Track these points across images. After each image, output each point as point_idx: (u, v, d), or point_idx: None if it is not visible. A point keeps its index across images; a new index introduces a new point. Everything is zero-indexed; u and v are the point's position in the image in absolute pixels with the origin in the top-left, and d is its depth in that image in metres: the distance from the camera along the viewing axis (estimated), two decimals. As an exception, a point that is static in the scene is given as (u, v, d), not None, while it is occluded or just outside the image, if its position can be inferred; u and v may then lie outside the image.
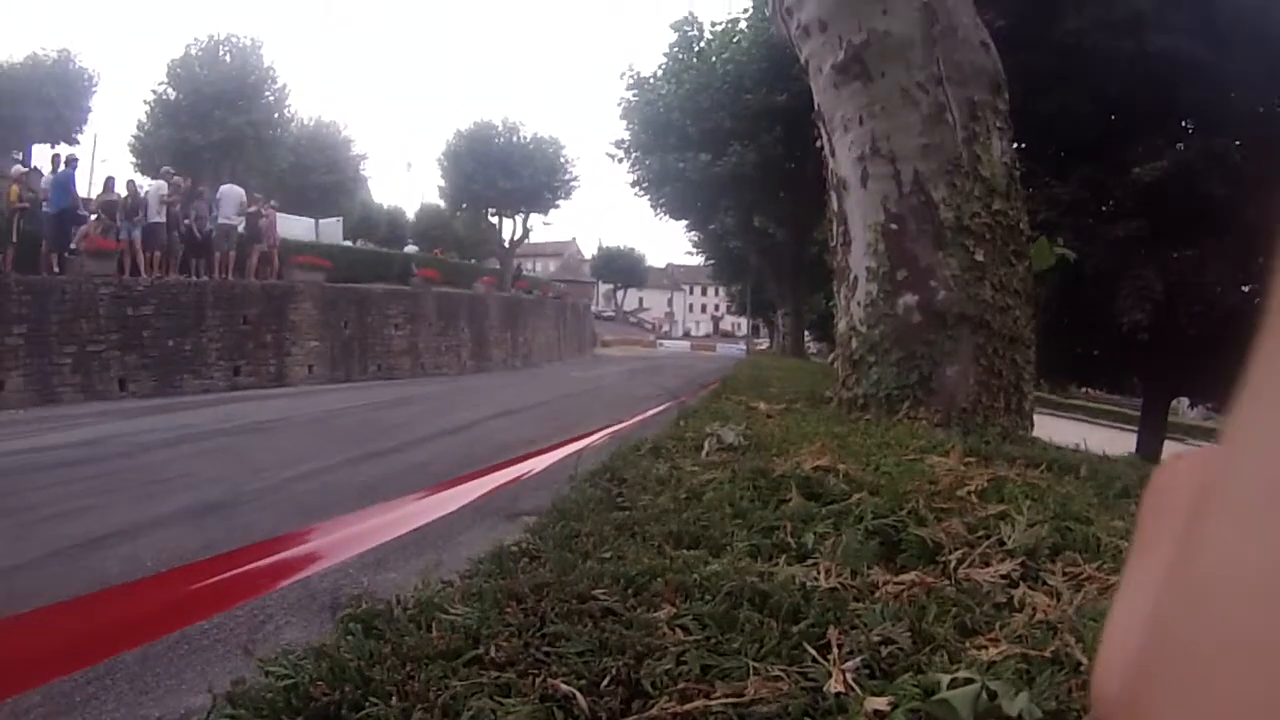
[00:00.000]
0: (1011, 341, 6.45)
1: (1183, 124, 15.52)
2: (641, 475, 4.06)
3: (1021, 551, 2.66)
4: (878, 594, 2.36)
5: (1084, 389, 22.05)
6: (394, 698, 1.73)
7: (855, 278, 7.05)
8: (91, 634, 3.49)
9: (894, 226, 6.69)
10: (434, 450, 8.55)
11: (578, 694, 1.70)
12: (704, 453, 4.76)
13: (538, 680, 1.77)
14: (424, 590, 2.45)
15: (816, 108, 7.65)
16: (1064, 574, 2.52)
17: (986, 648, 1.91)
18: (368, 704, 1.71)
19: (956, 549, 2.71)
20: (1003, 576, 2.48)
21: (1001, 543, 2.74)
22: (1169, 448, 16.38)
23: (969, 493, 3.45)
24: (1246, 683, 0.25)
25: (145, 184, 17.28)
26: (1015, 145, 7.36)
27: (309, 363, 18.08)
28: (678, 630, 2.04)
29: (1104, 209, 14.60)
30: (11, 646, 3.36)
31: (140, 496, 6.12)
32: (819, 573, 2.53)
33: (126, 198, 16.05)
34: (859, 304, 6.98)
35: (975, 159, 6.54)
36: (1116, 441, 17.51)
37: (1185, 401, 24.53)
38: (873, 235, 6.83)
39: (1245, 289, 13.49)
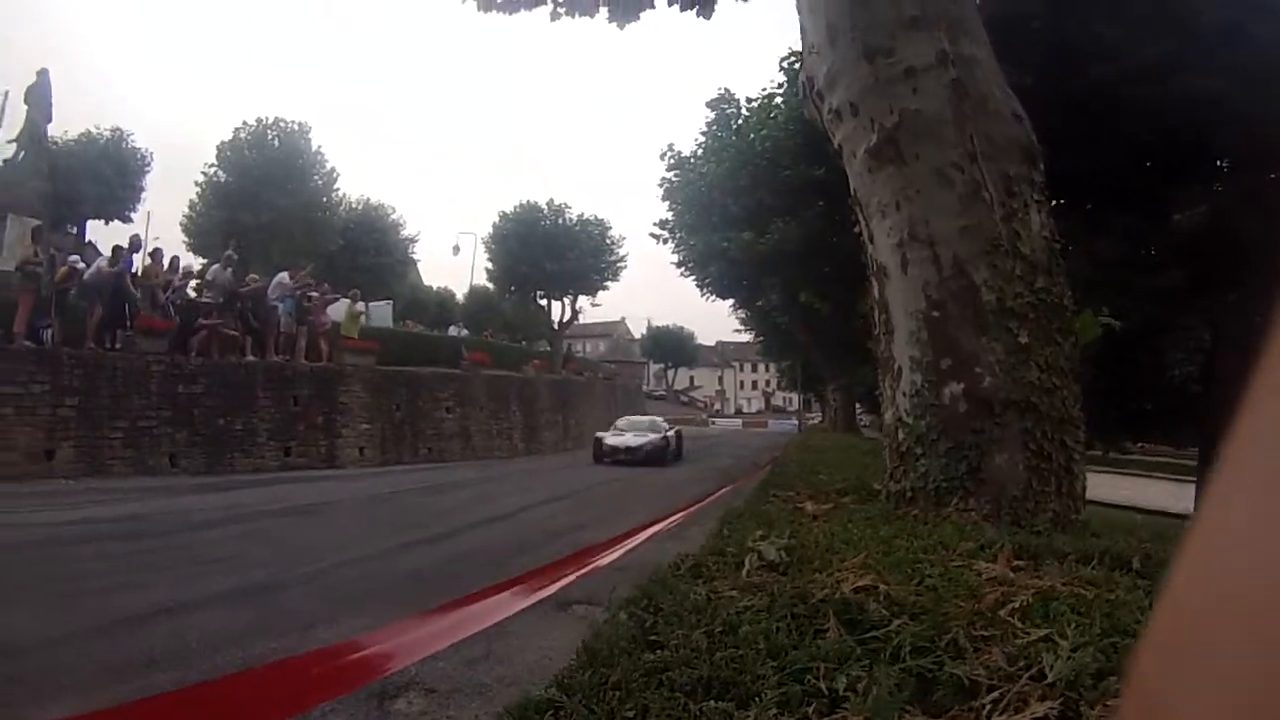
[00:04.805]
0: (1060, 423, 6.18)
1: (1218, 163, 15.20)
2: (678, 603, 3.87)
3: (1063, 684, 2.45)
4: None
5: (1139, 444, 21.38)
6: None
7: (899, 367, 6.86)
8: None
9: (936, 313, 6.51)
10: (482, 538, 8.56)
11: None
12: (744, 571, 4.56)
13: None
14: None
15: (853, 192, 7.57)
16: (1103, 707, 2.32)
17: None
18: None
19: (994, 687, 2.51)
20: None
21: (1043, 674, 2.53)
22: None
23: (1013, 611, 3.24)
24: (1249, 673, 0.27)
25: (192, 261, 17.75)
26: (1052, 201, 7.18)
27: (360, 445, 18.23)
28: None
29: (1144, 261, 14.26)
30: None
31: (186, 575, 6.16)
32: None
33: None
34: (904, 394, 6.76)
35: (1015, 236, 6.37)
36: (1177, 494, 16.95)
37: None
38: (915, 323, 6.65)
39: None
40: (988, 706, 2.46)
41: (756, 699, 2.64)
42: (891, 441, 7.02)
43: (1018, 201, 6.45)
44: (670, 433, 22.90)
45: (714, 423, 63.39)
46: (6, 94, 21.50)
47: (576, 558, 7.00)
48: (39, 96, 20.06)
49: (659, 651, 3.19)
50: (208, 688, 3.81)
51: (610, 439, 21.58)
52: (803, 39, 8.12)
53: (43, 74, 20.23)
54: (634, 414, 27.79)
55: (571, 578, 5.83)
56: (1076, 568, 4.09)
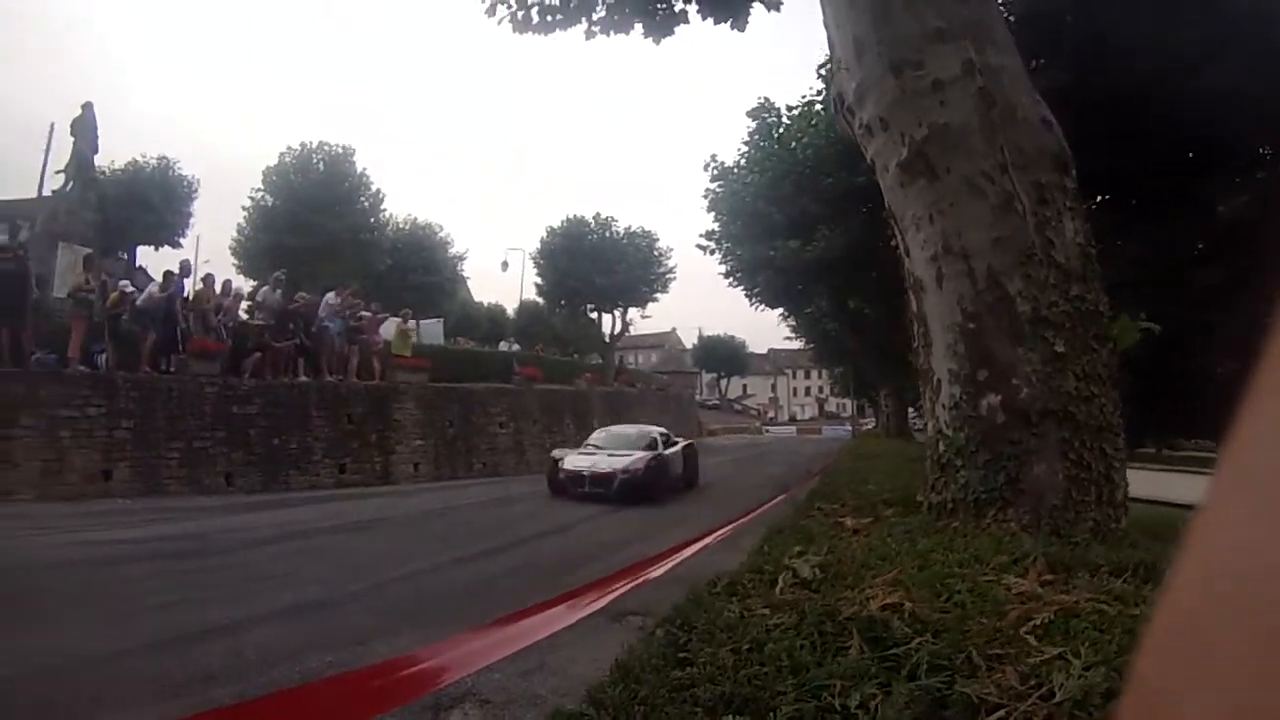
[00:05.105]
0: (1099, 431, 6.14)
1: (1261, 151, 14.87)
2: (711, 621, 4.03)
3: (1070, 704, 2.50)
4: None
5: (1193, 440, 20.94)
6: None
7: (938, 380, 6.88)
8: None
9: (972, 325, 6.52)
10: (535, 551, 8.66)
11: None
12: (778, 589, 4.64)
13: None
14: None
15: (888, 206, 7.60)
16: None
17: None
18: None
19: (1001, 706, 2.57)
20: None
21: (1052, 693, 2.58)
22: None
23: (1034, 628, 3.29)
24: (1248, 672, 0.27)
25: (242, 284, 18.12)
26: (1090, 202, 7.14)
27: (414, 461, 18.48)
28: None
29: (1184, 259, 13.99)
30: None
31: (243, 592, 6.28)
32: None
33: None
34: (944, 406, 6.79)
35: (1048, 245, 6.35)
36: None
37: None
38: (952, 336, 6.67)
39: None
40: (992, 725, 2.52)
41: (772, 714, 2.75)
42: (932, 453, 7.04)
43: (1050, 209, 6.43)
44: (673, 449, 15.55)
45: (768, 430, 63.02)
46: (53, 126, 22.23)
47: (631, 570, 7.13)
48: (84, 129, 20.75)
49: (688, 669, 3.33)
50: (264, 702, 3.98)
51: (573, 460, 14.30)
52: (831, 54, 8.19)
53: (87, 107, 20.97)
54: (626, 421, 21.63)
55: (625, 589, 5.96)
56: (1107, 581, 4.11)
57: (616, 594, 5.75)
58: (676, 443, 16.12)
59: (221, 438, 14.39)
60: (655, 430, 16.32)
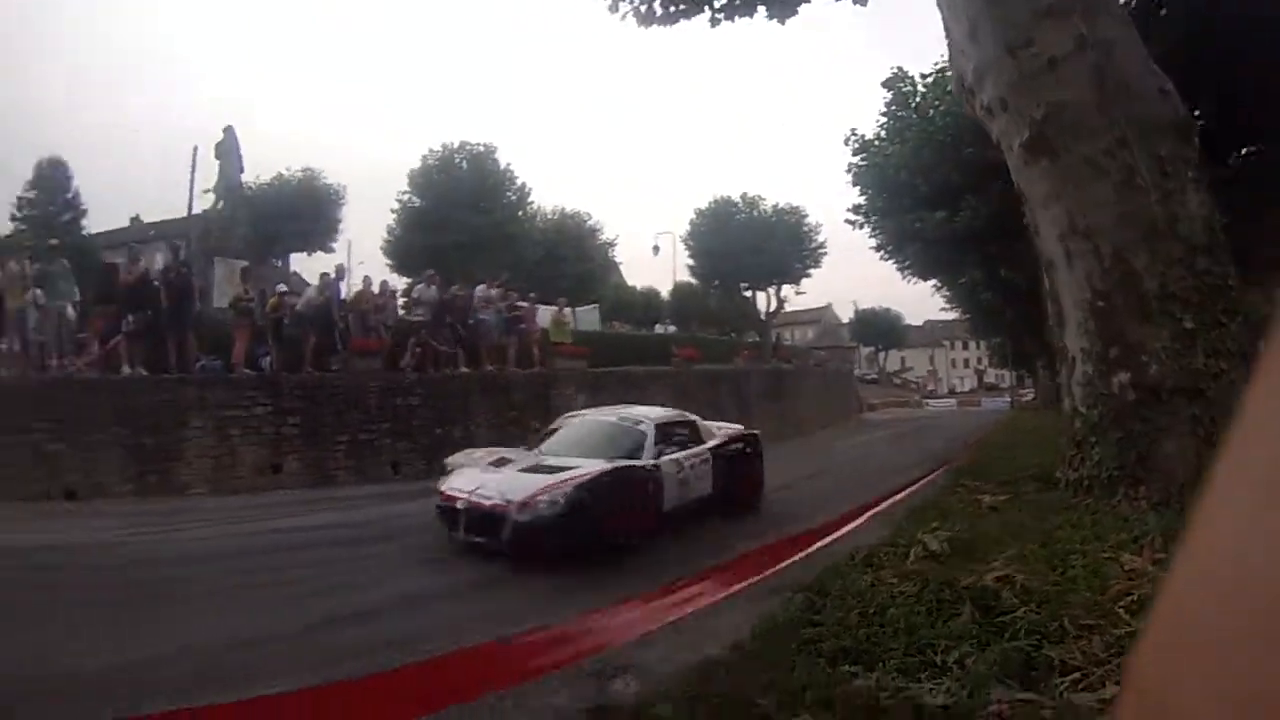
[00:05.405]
0: (1230, 408, 6.04)
1: None
2: (844, 588, 4.50)
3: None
4: (981, 712, 2.60)
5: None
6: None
7: (1072, 358, 6.93)
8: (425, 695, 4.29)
9: (1101, 304, 6.52)
10: (701, 526, 8.86)
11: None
12: (909, 561, 4.96)
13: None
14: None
15: (1016, 185, 7.61)
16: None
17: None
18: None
19: (1080, 669, 2.85)
20: (1102, 702, 2.58)
21: (1131, 663, 2.82)
22: None
23: (1131, 603, 3.49)
24: (1247, 671, 0.28)
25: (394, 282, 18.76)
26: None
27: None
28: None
29: None
30: None
31: (405, 574, 6.84)
32: (939, 693, 2.80)
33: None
34: (1077, 384, 6.84)
35: (1172, 219, 6.28)
36: None
37: None
38: (1082, 314, 6.70)
39: None
40: (1066, 685, 2.80)
41: (881, 664, 3.23)
42: (1069, 430, 7.08)
43: (1173, 183, 6.34)
44: (692, 453, 9.47)
45: (928, 404, 61.41)
46: (196, 149, 23.85)
47: (794, 541, 7.44)
48: (228, 150, 22.20)
49: (817, 628, 3.87)
50: (427, 666, 4.57)
51: (457, 480, 8.43)
52: (947, 36, 8.18)
53: (229, 130, 22.43)
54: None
55: (789, 561, 6.28)
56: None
57: (782, 565, 6.01)
58: (710, 438, 10.11)
59: (386, 429, 14.99)
60: (659, 416, 9.84)
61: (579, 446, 9.15)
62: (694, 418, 10.45)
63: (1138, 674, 0.34)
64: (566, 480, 7.56)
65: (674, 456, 9.04)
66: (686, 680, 3.51)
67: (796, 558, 6.36)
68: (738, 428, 11.22)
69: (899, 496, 9.55)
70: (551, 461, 8.56)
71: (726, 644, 3.99)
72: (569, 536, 7.17)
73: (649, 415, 9.85)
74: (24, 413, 11.34)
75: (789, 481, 12.31)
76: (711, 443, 9.86)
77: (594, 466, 7.98)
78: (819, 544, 6.93)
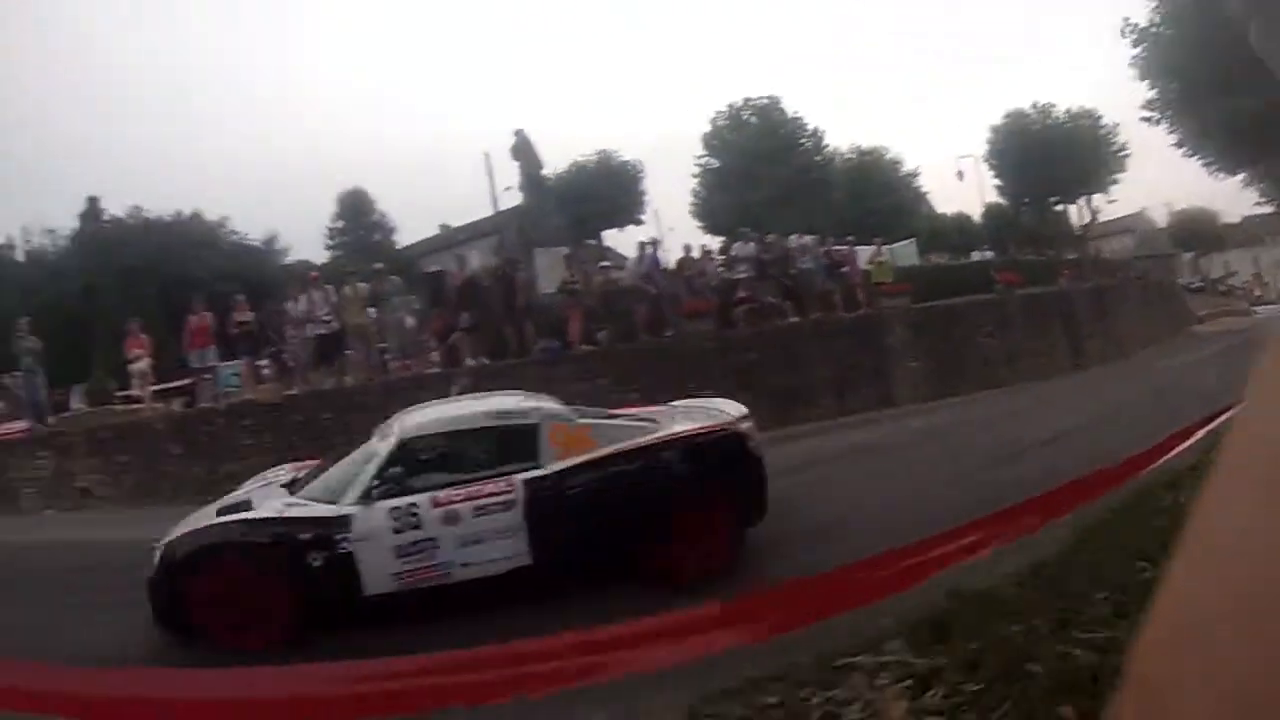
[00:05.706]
0: None
1: None
2: (1150, 508, 5.05)
3: None
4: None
5: None
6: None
7: None
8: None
9: None
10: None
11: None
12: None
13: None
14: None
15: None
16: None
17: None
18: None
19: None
20: None
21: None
22: None
23: None
24: (1246, 670, 0.27)
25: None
26: None
27: (912, 383, 18.27)
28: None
29: None
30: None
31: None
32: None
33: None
34: None
35: None
36: None
37: None
38: None
39: None
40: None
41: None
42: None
43: None
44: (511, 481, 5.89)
45: (1257, 311, 54.55)
46: (487, 155, 25.13)
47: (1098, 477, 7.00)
48: (523, 151, 23.28)
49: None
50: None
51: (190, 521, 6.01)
52: None
53: (519, 133, 23.46)
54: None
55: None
56: None
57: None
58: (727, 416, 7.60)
59: (727, 386, 15.11)
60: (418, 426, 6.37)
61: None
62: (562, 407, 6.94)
63: (1137, 671, 0.34)
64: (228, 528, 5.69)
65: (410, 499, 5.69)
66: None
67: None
68: (729, 412, 7.83)
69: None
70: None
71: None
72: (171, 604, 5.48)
73: (543, 403, 6.84)
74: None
75: (1111, 411, 12.24)
76: (575, 459, 6.06)
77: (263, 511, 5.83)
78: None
